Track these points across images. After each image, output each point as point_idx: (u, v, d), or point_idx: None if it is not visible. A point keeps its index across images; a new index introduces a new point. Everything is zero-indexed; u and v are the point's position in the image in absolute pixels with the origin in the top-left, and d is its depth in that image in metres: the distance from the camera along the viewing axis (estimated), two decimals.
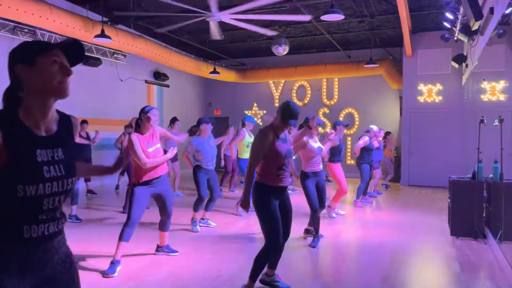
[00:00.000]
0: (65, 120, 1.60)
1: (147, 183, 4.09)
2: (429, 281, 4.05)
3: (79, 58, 1.55)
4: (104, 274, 3.86)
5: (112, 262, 3.94)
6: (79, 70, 10.84)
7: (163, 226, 4.47)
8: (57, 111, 1.58)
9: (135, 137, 4.03)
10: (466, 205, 5.43)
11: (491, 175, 5.41)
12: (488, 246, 5.05)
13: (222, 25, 7.98)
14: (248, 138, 7.19)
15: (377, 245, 5.19)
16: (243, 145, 7.24)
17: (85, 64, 9.92)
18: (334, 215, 6.81)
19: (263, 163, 3.34)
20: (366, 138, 7.94)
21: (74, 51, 1.53)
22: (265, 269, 3.58)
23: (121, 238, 3.99)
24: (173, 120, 8.47)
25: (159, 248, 4.59)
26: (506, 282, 3.83)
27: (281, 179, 3.36)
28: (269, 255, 3.36)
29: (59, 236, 1.58)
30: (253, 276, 3.39)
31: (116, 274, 3.88)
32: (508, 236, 4.98)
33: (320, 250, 5.02)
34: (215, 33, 7.93)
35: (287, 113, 3.33)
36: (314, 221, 5.11)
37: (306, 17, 7.39)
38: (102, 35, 7.85)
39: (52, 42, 1.45)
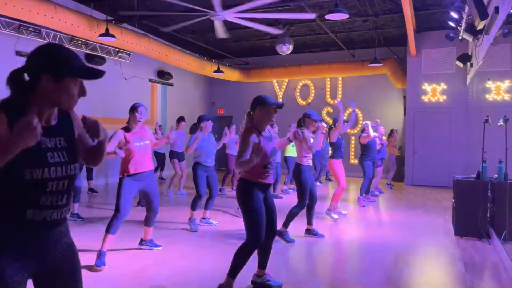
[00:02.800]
0: (65, 115, 1.70)
1: (132, 175, 4.26)
2: (433, 281, 4.04)
3: (93, 78, 1.63)
4: (95, 267, 3.95)
5: (98, 255, 4.05)
6: None
7: (148, 221, 4.60)
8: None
9: (119, 132, 4.28)
10: (471, 205, 5.41)
11: (496, 175, 5.38)
12: (493, 246, 5.04)
13: (226, 24, 7.98)
14: None
15: (381, 245, 5.18)
16: None
17: (89, 63, 9.96)
18: (336, 215, 6.63)
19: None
20: (364, 134, 7.96)
21: (95, 76, 1.60)
22: (256, 270, 3.57)
23: (108, 230, 4.14)
24: (179, 120, 8.53)
25: (142, 242, 4.73)
26: (511, 282, 3.82)
27: (266, 177, 3.37)
28: (250, 251, 3.30)
29: (62, 226, 1.63)
30: (232, 273, 3.34)
31: (106, 265, 4.00)
32: None
33: (324, 250, 5.02)
34: (220, 32, 7.94)
35: (262, 99, 3.33)
36: (293, 217, 5.15)
37: (311, 15, 7.37)
38: (107, 34, 7.87)
39: (77, 56, 1.50)
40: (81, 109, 11.06)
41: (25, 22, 7.82)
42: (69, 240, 1.68)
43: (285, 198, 8.49)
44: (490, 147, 5.76)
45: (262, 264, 3.60)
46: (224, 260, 4.36)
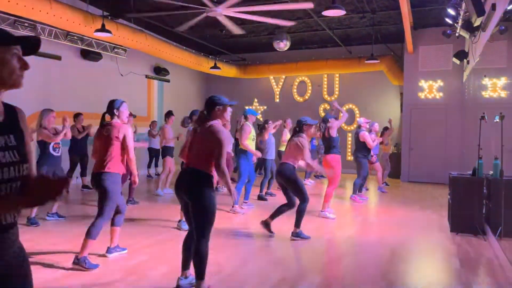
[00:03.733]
0: (10, 110, 1.60)
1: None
2: (428, 277, 4.06)
3: (33, 52, 1.56)
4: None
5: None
6: (79, 64, 10.78)
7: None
8: (1, 102, 1.58)
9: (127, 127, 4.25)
10: (466, 202, 5.43)
11: (491, 172, 5.41)
12: (488, 243, 5.06)
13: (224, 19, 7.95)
14: (253, 131, 7.13)
15: (377, 241, 5.20)
16: (248, 138, 7.10)
17: (85, 59, 9.91)
18: (332, 215, 6.46)
19: (211, 156, 3.24)
20: (367, 133, 7.96)
21: (32, 47, 1.54)
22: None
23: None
24: (168, 114, 8.35)
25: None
26: (505, 278, 3.84)
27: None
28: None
29: (14, 228, 1.54)
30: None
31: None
32: (507, 233, 4.99)
33: (320, 246, 5.03)
34: (233, 28, 7.93)
35: (215, 99, 3.36)
36: (302, 214, 5.12)
37: (309, 5, 7.26)
38: (103, 29, 7.82)
39: (14, 34, 1.48)
40: (78, 104, 10.98)
41: (20, 17, 7.75)
42: (19, 244, 1.60)
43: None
44: (486, 144, 5.78)
45: (187, 265, 3.47)
46: (220, 257, 4.36)
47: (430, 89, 11.26)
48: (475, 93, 10.61)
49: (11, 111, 1.60)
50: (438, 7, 9.18)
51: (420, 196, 8.87)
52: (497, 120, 5.43)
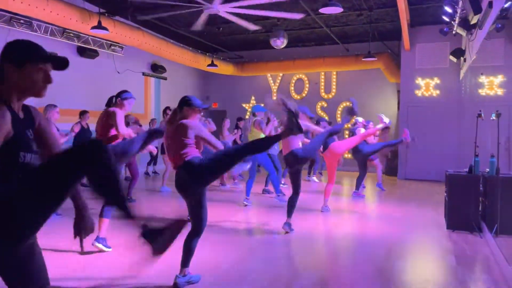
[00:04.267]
0: (26, 109, 1.82)
1: None
2: (424, 274, 4.07)
3: (63, 68, 1.76)
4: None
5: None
6: (75, 61, 10.73)
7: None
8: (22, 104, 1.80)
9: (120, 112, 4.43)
10: (463, 199, 5.45)
11: (488, 170, 5.43)
12: (484, 240, 5.09)
13: (220, 17, 7.93)
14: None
15: (373, 238, 5.22)
16: (258, 134, 7.21)
17: (82, 56, 9.86)
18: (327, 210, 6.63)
19: (187, 146, 3.37)
20: (362, 130, 7.95)
21: (61, 64, 1.75)
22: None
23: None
24: (166, 110, 8.34)
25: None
26: (501, 275, 3.86)
27: None
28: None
29: None
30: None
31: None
32: (503, 230, 5.01)
33: (316, 243, 5.04)
34: (199, 24, 7.93)
35: (186, 99, 3.51)
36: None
37: (298, 16, 7.44)
38: (99, 26, 7.79)
39: (45, 50, 1.78)
40: (74, 101, 10.92)
41: (16, 14, 7.71)
42: None
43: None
44: (482, 142, 5.80)
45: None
46: (218, 253, 4.36)
47: (427, 86, 11.28)
48: (471, 91, 10.64)
49: (27, 110, 1.82)
50: (435, 5, 9.19)
51: (416, 194, 8.90)
52: (494, 118, 5.44)
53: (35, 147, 1.77)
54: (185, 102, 3.49)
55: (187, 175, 3.26)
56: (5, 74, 1.65)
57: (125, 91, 4.58)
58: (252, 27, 8.42)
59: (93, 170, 1.61)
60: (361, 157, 8.10)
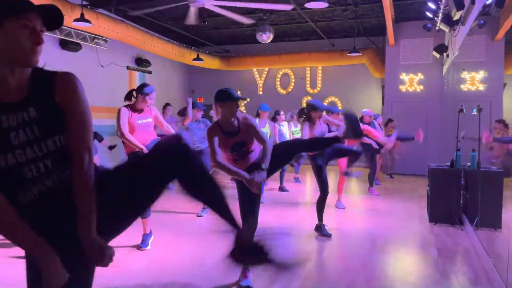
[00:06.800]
0: (45, 79, 1.40)
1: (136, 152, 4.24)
2: (407, 266, 4.14)
3: (57, 24, 1.40)
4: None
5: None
6: (58, 54, 10.52)
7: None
8: (39, 69, 1.41)
9: (124, 109, 4.30)
10: (444, 193, 5.55)
11: (469, 164, 5.53)
12: (465, 232, 5.19)
13: (206, 11, 7.87)
14: (267, 127, 7.25)
15: (357, 231, 5.28)
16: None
17: (64, 49, 9.68)
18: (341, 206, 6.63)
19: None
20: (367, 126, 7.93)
21: (52, 16, 1.38)
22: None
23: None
24: (166, 106, 8.43)
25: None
26: (482, 267, 3.95)
27: (237, 166, 3.39)
28: None
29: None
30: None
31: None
32: (484, 223, 5.12)
33: (301, 236, 5.07)
34: (192, 18, 7.85)
35: (221, 95, 3.27)
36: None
37: (288, 7, 7.38)
38: (82, 19, 7.64)
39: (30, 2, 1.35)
40: None
41: None
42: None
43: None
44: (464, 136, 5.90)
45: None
46: (205, 249, 4.35)
47: (411, 82, 11.41)
48: (454, 86, 10.79)
49: (45, 80, 1.39)
50: (419, 1, 9.28)
51: (400, 188, 9.02)
52: (475, 112, 5.54)
53: (35, 135, 1.33)
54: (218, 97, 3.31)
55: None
56: None
57: (146, 85, 4.39)
58: (245, 20, 8.33)
59: (186, 170, 1.46)
60: (370, 151, 8.02)
